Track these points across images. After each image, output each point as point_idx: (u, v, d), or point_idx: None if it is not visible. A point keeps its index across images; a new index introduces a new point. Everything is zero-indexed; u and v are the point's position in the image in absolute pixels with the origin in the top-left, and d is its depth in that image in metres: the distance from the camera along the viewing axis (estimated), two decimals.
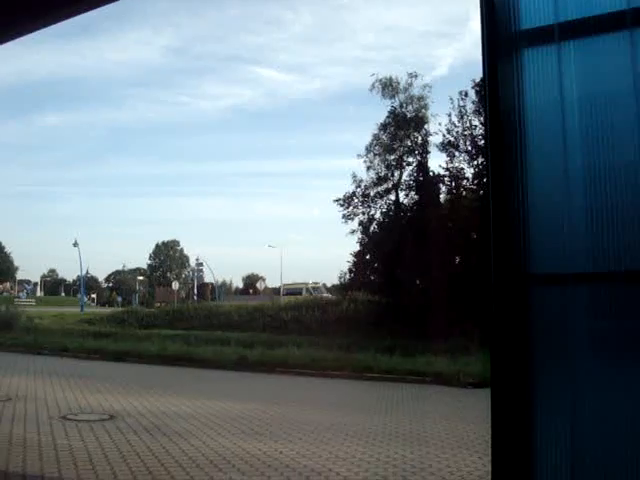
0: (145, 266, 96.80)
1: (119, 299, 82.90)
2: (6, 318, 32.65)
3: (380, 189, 31.05)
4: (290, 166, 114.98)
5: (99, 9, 4.76)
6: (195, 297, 70.44)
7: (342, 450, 8.96)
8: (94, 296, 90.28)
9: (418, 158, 30.81)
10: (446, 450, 9.10)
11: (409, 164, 30.94)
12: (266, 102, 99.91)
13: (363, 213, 31.18)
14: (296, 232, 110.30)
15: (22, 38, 5.09)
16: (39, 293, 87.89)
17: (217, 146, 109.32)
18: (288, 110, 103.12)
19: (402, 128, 30.68)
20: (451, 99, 29.08)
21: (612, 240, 2.63)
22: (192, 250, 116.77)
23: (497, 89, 2.91)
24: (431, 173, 30.19)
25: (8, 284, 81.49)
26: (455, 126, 28.96)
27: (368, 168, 31.19)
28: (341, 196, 31.36)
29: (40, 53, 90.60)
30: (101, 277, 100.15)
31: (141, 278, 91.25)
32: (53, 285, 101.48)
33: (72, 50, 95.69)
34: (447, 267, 27.15)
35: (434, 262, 26.31)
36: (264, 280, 72.07)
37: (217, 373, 19.78)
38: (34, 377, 16.54)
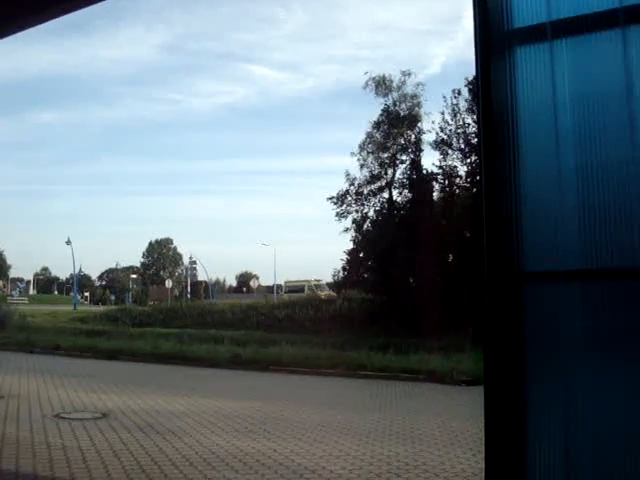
0: (138, 264, 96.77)
1: (112, 297, 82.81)
2: None
3: (373, 187, 31.09)
4: (283, 164, 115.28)
5: (92, 6, 4.76)
6: (188, 295, 70.45)
7: (336, 448, 8.96)
8: (87, 294, 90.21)
9: (411, 156, 30.87)
10: (439, 447, 9.11)
11: (402, 162, 31.00)
12: (259, 100, 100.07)
13: (357, 211, 31.22)
14: (290, 230, 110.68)
15: (15, 35, 5.08)
16: (32, 291, 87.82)
17: (210, 144, 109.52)
18: (281, 108, 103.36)
19: (395, 126, 30.71)
20: (444, 97, 29.17)
21: (604, 238, 2.64)
22: (185, 248, 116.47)
23: (490, 87, 2.92)
24: (424, 171, 30.25)
25: (1, 282, 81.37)
26: (448, 124, 29.04)
27: (361, 166, 31.25)
28: (334, 194, 31.41)
29: (33, 50, 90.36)
30: (94, 275, 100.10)
31: (134, 276, 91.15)
32: (46, 283, 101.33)
33: (65, 48, 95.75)
34: (440, 265, 27.22)
35: (427, 260, 26.36)
36: (258, 278, 72.23)
37: (210, 371, 19.75)
38: (27, 375, 16.49)
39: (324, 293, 39.03)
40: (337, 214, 31.29)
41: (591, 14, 2.73)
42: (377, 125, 31.34)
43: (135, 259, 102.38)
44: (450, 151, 29.07)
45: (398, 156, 30.98)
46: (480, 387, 2.98)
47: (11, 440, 8.66)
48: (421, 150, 30.73)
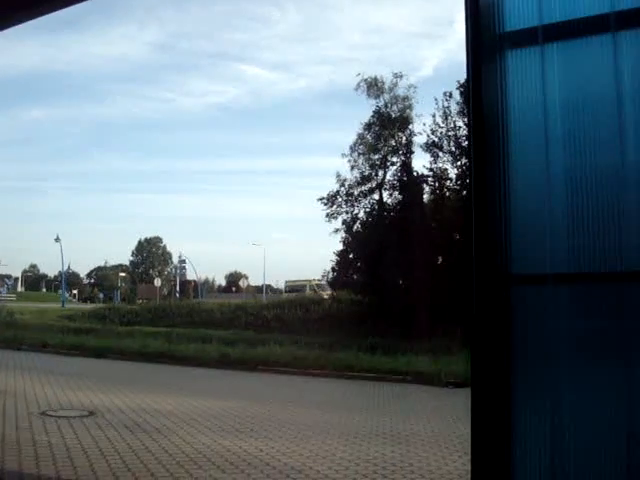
0: (127, 262, 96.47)
1: (101, 295, 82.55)
2: None
3: (364, 188, 31.07)
4: (274, 164, 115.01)
5: (85, 3, 4.74)
6: (177, 294, 70.23)
7: (323, 448, 8.97)
8: (75, 292, 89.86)
9: (402, 158, 30.86)
10: (426, 449, 9.14)
11: (393, 164, 30.98)
12: (251, 100, 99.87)
13: (347, 212, 31.19)
14: (280, 230, 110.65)
15: (6, 31, 5.06)
16: (20, 288, 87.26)
17: (201, 143, 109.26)
18: (273, 108, 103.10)
19: (387, 128, 30.71)
20: (436, 100, 29.18)
21: (592, 241, 2.65)
22: (175, 247, 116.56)
23: (481, 90, 2.92)
24: (415, 173, 30.25)
25: None
26: (439, 127, 29.05)
27: (352, 167, 31.21)
28: (325, 195, 31.39)
29: (25, 47, 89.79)
30: (83, 273, 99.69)
31: (123, 275, 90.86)
32: (34, 281, 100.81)
33: (57, 44, 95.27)
34: (430, 267, 27.24)
35: (417, 262, 26.38)
36: (247, 278, 71.91)
37: (199, 371, 19.73)
38: (13, 373, 16.42)
39: (326, 293, 38.80)
40: (327, 215, 31.27)
41: (582, 18, 2.74)
42: (368, 126, 31.34)
43: (124, 257, 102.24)
44: (441, 154, 29.11)
45: (389, 158, 30.97)
46: (468, 389, 2.99)
47: None
48: (412, 152, 30.76)
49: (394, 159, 30.96)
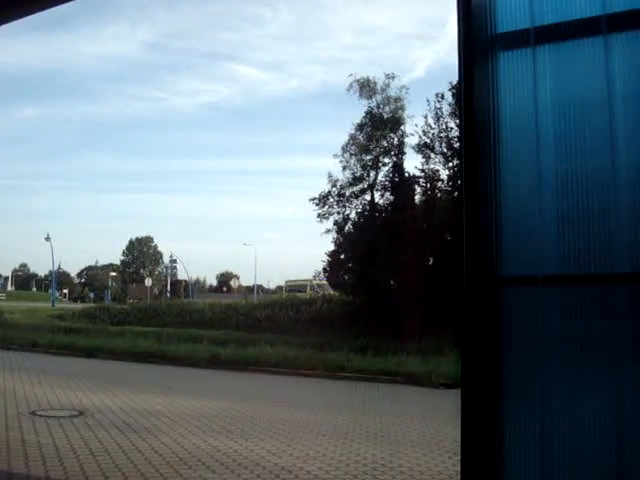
0: (118, 262, 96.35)
1: (91, 295, 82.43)
2: None
3: (355, 189, 31.10)
4: (266, 164, 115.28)
5: (77, 2, 4.73)
6: (168, 294, 70.19)
7: (313, 449, 8.97)
8: (66, 292, 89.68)
9: (394, 159, 30.89)
10: (416, 449, 9.14)
11: (385, 165, 31.01)
12: (243, 100, 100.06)
13: (338, 213, 31.21)
14: (271, 231, 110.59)
15: None
16: (10, 288, 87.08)
17: (193, 143, 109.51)
18: (265, 108, 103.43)
19: (378, 129, 30.74)
20: (428, 101, 29.22)
21: (582, 243, 2.66)
22: (166, 247, 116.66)
23: (472, 92, 2.93)
24: (406, 174, 30.29)
25: None
26: (431, 128, 29.08)
27: (344, 168, 31.24)
28: (317, 195, 31.40)
29: (16, 45, 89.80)
30: (73, 272, 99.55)
31: (114, 274, 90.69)
32: (24, 280, 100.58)
33: (49, 43, 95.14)
34: (421, 268, 27.27)
35: (408, 263, 26.40)
36: (238, 278, 71.95)
37: (189, 371, 19.69)
38: (3, 372, 16.33)
39: (327, 292, 38.68)
40: (319, 215, 31.29)
41: (574, 21, 2.75)
42: (360, 127, 31.37)
43: (115, 257, 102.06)
44: (432, 155, 29.15)
45: (381, 159, 31.00)
46: (459, 390, 2.99)
47: None
48: (404, 153, 30.80)
49: (386, 160, 31.01)
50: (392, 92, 31.27)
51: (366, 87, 31.23)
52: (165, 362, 21.09)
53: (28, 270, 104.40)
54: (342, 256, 31.74)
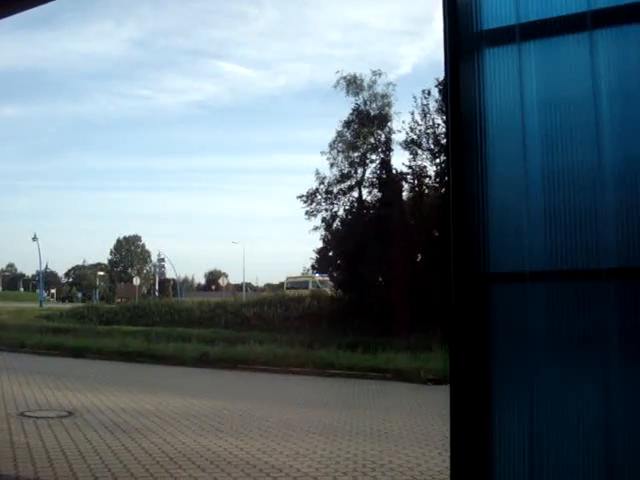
0: (106, 261, 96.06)
1: (79, 295, 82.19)
2: None
3: (343, 186, 31.17)
4: (253, 162, 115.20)
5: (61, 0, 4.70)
6: (157, 293, 70.05)
7: (303, 447, 8.97)
8: (54, 291, 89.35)
9: (381, 156, 30.97)
10: (406, 446, 9.16)
11: (372, 161, 31.11)
12: (230, 97, 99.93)
13: (326, 210, 31.28)
14: (260, 228, 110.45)
15: None
16: None
17: (180, 141, 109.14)
18: (252, 106, 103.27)
19: (366, 125, 30.79)
20: (414, 97, 29.29)
21: (569, 239, 2.67)
22: (154, 245, 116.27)
23: (459, 88, 2.93)
24: (394, 171, 30.37)
25: None
26: (418, 124, 29.16)
27: (331, 165, 31.32)
28: (304, 193, 31.41)
29: (0, 44, 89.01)
30: (61, 272, 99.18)
31: (102, 273, 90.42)
32: (12, 280, 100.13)
33: (32, 41, 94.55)
34: (409, 264, 27.33)
35: (396, 259, 26.46)
36: (226, 276, 72.00)
37: (178, 369, 19.66)
38: None
39: (330, 289, 38.53)
40: (307, 212, 31.37)
41: (559, 17, 2.75)
42: (347, 124, 31.42)
43: (103, 256, 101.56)
44: (420, 151, 29.23)
45: (368, 155, 31.09)
46: (448, 386, 3.00)
47: None
48: (391, 150, 30.89)
49: (373, 157, 31.11)
50: (379, 89, 31.39)
51: (353, 84, 31.29)
52: (154, 361, 21.07)
53: (15, 270, 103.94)
54: (330, 253, 31.78)
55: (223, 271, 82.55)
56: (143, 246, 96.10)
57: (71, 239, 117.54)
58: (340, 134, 31.46)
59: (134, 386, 15.13)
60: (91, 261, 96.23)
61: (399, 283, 25.94)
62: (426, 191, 29.79)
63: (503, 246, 2.82)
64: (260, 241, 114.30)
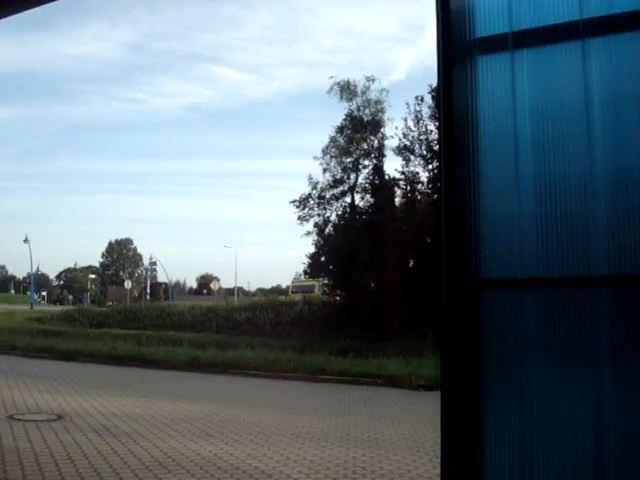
0: (97, 264, 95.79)
1: (70, 297, 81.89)
2: None
3: (336, 191, 31.20)
4: (246, 166, 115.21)
5: (56, 2, 4.69)
6: (148, 297, 69.85)
7: (293, 452, 8.96)
8: (44, 294, 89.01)
9: (374, 161, 31.02)
10: (397, 452, 9.16)
11: (365, 167, 31.15)
12: (224, 102, 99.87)
13: (319, 215, 31.29)
14: (252, 232, 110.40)
15: None
16: None
17: (173, 144, 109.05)
18: (246, 110, 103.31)
19: (359, 131, 30.84)
20: (407, 104, 29.37)
21: (561, 247, 2.68)
22: (146, 249, 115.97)
23: (451, 95, 2.94)
24: (387, 177, 30.43)
25: None
26: (411, 130, 29.23)
27: (324, 170, 31.33)
28: (297, 198, 31.43)
29: None
30: (52, 275, 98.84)
31: (93, 276, 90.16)
32: (2, 282, 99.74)
33: (26, 43, 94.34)
34: (401, 270, 27.38)
35: (389, 265, 26.51)
36: (218, 280, 71.76)
37: (169, 374, 19.62)
38: None
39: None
40: (299, 217, 31.37)
41: (552, 26, 2.76)
42: (340, 130, 31.46)
43: (94, 259, 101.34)
44: (412, 157, 29.31)
45: (361, 161, 31.12)
46: (439, 392, 3.00)
47: None
48: (384, 156, 30.95)
49: (366, 162, 31.14)
50: (372, 95, 31.44)
51: (346, 90, 31.33)
52: (145, 365, 21.02)
53: (6, 272, 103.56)
54: (323, 258, 31.79)
55: (215, 275, 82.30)
56: (135, 249, 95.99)
57: (63, 241, 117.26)
58: (333, 139, 31.51)
59: (124, 390, 15.09)
60: (82, 264, 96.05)
61: (391, 289, 25.98)
62: (418, 197, 29.86)
63: (495, 252, 2.83)
64: (252, 245, 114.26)
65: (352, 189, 30.96)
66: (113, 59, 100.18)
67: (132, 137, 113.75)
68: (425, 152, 28.80)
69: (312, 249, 31.85)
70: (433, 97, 27.63)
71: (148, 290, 74.78)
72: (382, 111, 31.40)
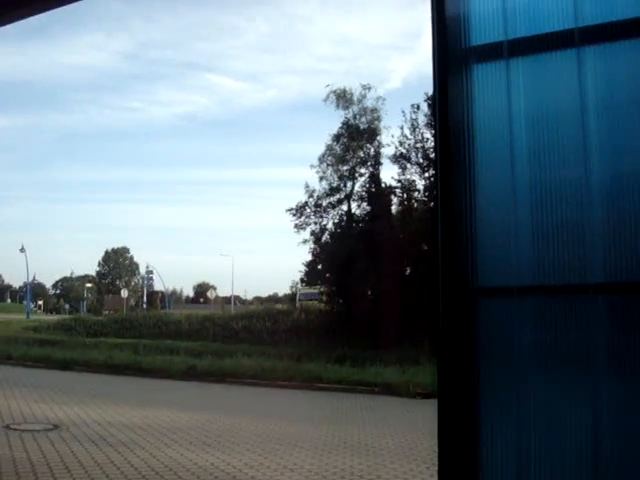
0: (94, 273, 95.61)
1: (66, 306, 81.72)
2: None
3: (332, 199, 31.22)
4: (243, 175, 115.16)
5: (51, 11, 4.70)
6: (144, 305, 69.72)
7: (290, 461, 8.93)
8: (41, 303, 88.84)
9: (370, 169, 31.06)
10: (394, 460, 9.14)
11: (361, 175, 31.19)
12: (220, 110, 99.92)
13: (315, 223, 31.31)
14: (249, 241, 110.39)
15: None
16: None
17: (169, 153, 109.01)
18: (242, 119, 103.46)
19: (355, 139, 30.88)
20: (403, 112, 29.41)
21: (556, 255, 2.68)
22: (142, 258, 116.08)
23: (447, 103, 2.94)
24: (383, 185, 30.46)
25: None
26: (407, 138, 29.27)
27: (321, 178, 31.36)
28: (294, 206, 31.44)
29: None
30: (48, 284, 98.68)
31: (89, 285, 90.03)
32: None
33: (23, 52, 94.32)
34: (398, 278, 27.37)
35: (385, 273, 26.50)
36: (215, 289, 71.69)
37: (165, 383, 19.57)
38: None
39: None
40: (296, 226, 31.38)
41: (547, 34, 2.77)
42: (337, 138, 31.50)
43: (90, 268, 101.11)
44: (409, 165, 29.35)
45: (357, 169, 31.16)
46: (436, 400, 3.00)
47: None
48: (380, 164, 31.01)
49: (362, 170, 31.18)
50: (368, 103, 31.51)
51: (343, 98, 31.40)
52: (141, 374, 20.97)
53: (2, 281, 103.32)
54: (319, 266, 31.78)
55: (212, 284, 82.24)
56: (131, 258, 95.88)
57: (59, 251, 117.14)
58: (329, 147, 31.55)
59: (121, 399, 15.04)
60: (79, 273, 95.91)
61: (388, 297, 25.97)
62: (415, 205, 29.89)
63: (491, 260, 2.83)
64: (249, 254, 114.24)
65: (348, 197, 31.00)
66: (109, 68, 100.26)
67: (128, 146, 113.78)
68: (421, 160, 28.86)
69: (309, 257, 31.88)
70: (429, 105, 27.67)
71: (145, 299, 74.62)
72: (378, 119, 31.51)
